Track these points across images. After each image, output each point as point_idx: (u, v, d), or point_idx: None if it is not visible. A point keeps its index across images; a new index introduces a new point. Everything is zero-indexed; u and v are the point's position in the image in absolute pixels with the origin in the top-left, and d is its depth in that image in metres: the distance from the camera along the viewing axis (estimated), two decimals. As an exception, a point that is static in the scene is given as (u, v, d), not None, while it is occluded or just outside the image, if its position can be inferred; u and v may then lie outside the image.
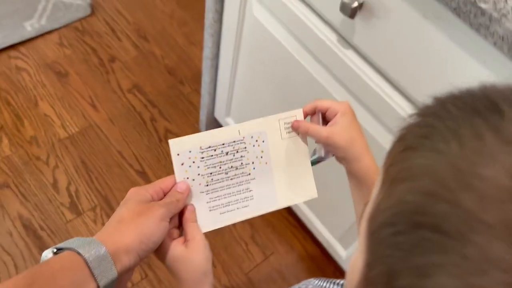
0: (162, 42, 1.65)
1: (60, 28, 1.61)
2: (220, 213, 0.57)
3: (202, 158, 0.55)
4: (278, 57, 0.93)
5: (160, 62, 1.60)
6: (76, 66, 1.55)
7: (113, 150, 1.41)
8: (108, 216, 1.21)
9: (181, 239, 0.53)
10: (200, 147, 0.55)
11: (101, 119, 1.46)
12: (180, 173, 0.55)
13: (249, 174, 0.57)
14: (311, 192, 0.60)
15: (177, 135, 1.45)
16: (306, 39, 0.83)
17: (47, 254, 0.44)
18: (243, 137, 0.57)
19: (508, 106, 0.24)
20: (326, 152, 0.59)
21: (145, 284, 1.20)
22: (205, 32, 1.10)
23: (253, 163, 0.58)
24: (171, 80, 1.57)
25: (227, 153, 0.56)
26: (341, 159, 0.57)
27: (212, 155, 0.56)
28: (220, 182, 0.56)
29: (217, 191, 0.56)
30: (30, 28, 1.57)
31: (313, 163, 0.60)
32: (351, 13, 0.68)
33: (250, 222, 1.33)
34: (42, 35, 1.58)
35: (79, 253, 0.43)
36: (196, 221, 0.54)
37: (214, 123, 1.40)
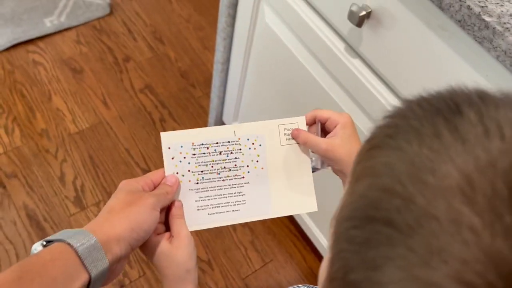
0: (177, 45, 1.68)
1: (78, 25, 1.65)
2: (209, 214, 0.55)
3: (194, 154, 0.54)
4: (287, 64, 0.94)
5: (174, 64, 1.63)
6: (91, 64, 1.58)
7: (121, 147, 1.42)
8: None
9: (166, 235, 0.52)
10: (193, 143, 0.54)
11: (111, 117, 1.48)
12: (169, 167, 0.54)
13: (243, 177, 0.56)
14: (310, 205, 0.58)
15: (185, 137, 1.46)
16: (315, 47, 0.84)
17: (37, 247, 0.44)
18: (239, 138, 0.55)
19: (468, 107, 0.24)
20: (322, 163, 0.58)
21: (142, 282, 1.20)
22: (217, 36, 1.12)
23: (247, 166, 0.56)
24: (183, 83, 1.59)
25: (220, 153, 0.55)
26: (338, 171, 0.56)
27: (204, 153, 0.54)
28: (211, 181, 0.55)
29: (207, 190, 0.55)
30: (49, 24, 1.61)
31: None
32: (359, 21, 0.69)
33: (250, 228, 1.33)
34: (60, 31, 1.62)
35: (69, 244, 0.43)
36: (182, 217, 0.54)
37: (222, 127, 1.41)
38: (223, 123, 1.39)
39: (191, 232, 0.53)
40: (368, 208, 0.24)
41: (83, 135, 1.43)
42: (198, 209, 0.55)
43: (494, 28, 0.53)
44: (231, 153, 0.55)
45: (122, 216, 0.47)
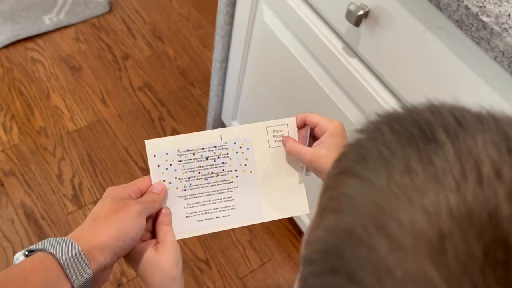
0: (176, 43, 1.67)
1: (77, 23, 1.64)
2: (198, 221, 0.54)
3: (180, 161, 0.53)
4: (285, 62, 0.93)
5: (173, 63, 1.62)
6: (90, 62, 1.57)
7: (120, 146, 1.42)
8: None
9: (152, 242, 0.51)
10: (178, 150, 0.53)
11: (110, 115, 1.47)
12: (156, 175, 0.53)
13: (232, 182, 0.54)
14: (302, 207, 0.57)
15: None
16: (313, 46, 0.83)
17: (19, 257, 0.43)
18: (225, 143, 0.54)
19: (447, 136, 0.22)
20: (307, 170, 0.56)
21: (140, 280, 1.20)
22: (216, 34, 1.11)
23: (236, 170, 0.55)
24: (182, 81, 1.59)
25: (207, 158, 0.54)
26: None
27: (190, 159, 0.53)
28: (199, 188, 0.54)
29: (196, 197, 0.54)
30: (48, 21, 1.61)
31: None
32: (356, 21, 0.68)
33: (249, 227, 1.33)
34: (59, 29, 1.62)
35: (51, 254, 0.42)
36: (169, 224, 0.52)
37: (221, 126, 1.41)
38: (221, 122, 1.38)
39: (179, 240, 0.52)
40: (331, 256, 0.22)
41: (81, 133, 1.43)
42: (187, 216, 0.54)
43: (492, 28, 0.52)
44: (218, 157, 0.54)
45: (107, 223, 0.46)
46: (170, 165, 0.53)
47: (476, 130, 0.22)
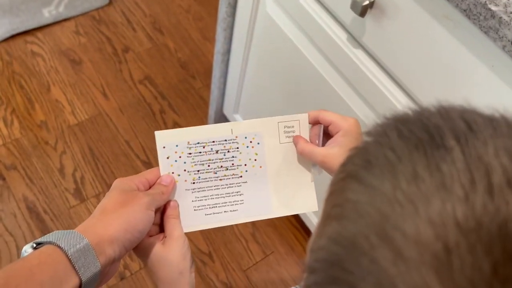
0: (177, 36, 1.66)
1: (77, 16, 1.63)
2: (206, 214, 0.54)
3: (190, 154, 0.53)
4: (288, 54, 0.92)
5: (173, 55, 1.61)
6: (90, 55, 1.56)
7: (121, 139, 1.41)
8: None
9: (159, 236, 0.51)
10: (188, 142, 0.52)
11: (111, 108, 1.47)
12: (165, 167, 0.52)
13: (241, 176, 0.54)
14: (311, 204, 0.56)
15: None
16: (316, 37, 0.83)
17: (27, 249, 0.42)
18: (236, 136, 0.54)
19: (456, 141, 0.21)
20: (320, 170, 0.56)
21: (143, 273, 1.20)
22: (217, 26, 1.11)
23: (245, 165, 0.54)
24: (183, 74, 1.58)
25: (217, 152, 0.53)
26: None
27: (200, 152, 0.53)
28: (207, 181, 0.53)
29: (204, 190, 0.53)
30: (47, 14, 1.59)
31: None
32: (362, 11, 0.67)
33: (251, 220, 1.33)
34: (59, 22, 1.60)
35: (59, 247, 0.41)
36: (177, 217, 0.52)
37: (223, 119, 1.40)
38: (223, 115, 1.38)
39: (186, 233, 0.52)
40: (333, 265, 0.21)
41: (82, 127, 1.42)
42: (195, 210, 0.53)
43: (500, 17, 0.51)
44: (228, 151, 0.54)
45: (115, 216, 0.45)
46: (180, 157, 0.53)
47: (488, 135, 0.21)
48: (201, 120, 1.48)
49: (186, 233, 0.52)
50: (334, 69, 0.83)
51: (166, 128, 1.45)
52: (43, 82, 1.48)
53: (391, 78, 0.73)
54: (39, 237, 0.44)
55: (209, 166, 0.53)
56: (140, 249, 0.50)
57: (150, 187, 0.51)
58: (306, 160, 0.55)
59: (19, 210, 1.25)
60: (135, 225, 0.46)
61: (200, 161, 0.53)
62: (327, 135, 0.55)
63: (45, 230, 1.22)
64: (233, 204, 0.54)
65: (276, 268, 1.27)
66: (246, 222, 1.31)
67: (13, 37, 1.55)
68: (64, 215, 1.26)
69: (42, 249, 0.42)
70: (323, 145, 0.54)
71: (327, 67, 0.84)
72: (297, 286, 0.65)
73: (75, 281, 0.41)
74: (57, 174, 1.33)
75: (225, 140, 0.53)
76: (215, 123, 1.41)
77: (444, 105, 0.23)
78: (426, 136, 0.22)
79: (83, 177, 1.33)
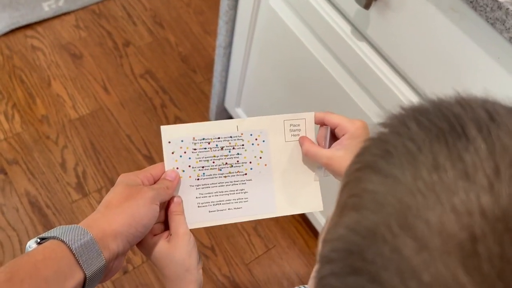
0: (177, 29, 1.65)
1: (77, 10, 1.62)
2: (209, 211, 0.53)
3: (195, 149, 0.52)
4: (291, 47, 0.92)
5: (174, 49, 1.61)
6: (90, 49, 1.56)
7: (122, 133, 1.41)
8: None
9: (164, 234, 0.50)
10: (193, 138, 0.52)
11: (112, 102, 1.46)
12: (169, 161, 0.52)
13: (245, 174, 0.54)
14: (316, 204, 0.56)
15: (186, 122, 1.45)
16: (320, 29, 0.82)
17: (31, 244, 0.42)
18: (241, 134, 0.53)
19: (476, 131, 0.20)
20: (325, 171, 0.55)
21: (145, 267, 1.20)
22: (219, 20, 1.10)
23: (250, 162, 0.54)
24: (184, 68, 1.57)
25: (222, 148, 0.53)
26: None
27: (205, 148, 0.52)
28: (212, 178, 0.53)
29: (208, 187, 0.53)
30: (47, 8, 1.59)
31: None
32: (366, 3, 0.67)
33: (254, 214, 1.33)
34: (59, 16, 1.60)
35: (63, 241, 0.41)
36: (182, 214, 0.52)
37: (224, 113, 1.40)
38: (225, 109, 1.38)
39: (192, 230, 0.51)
40: (352, 255, 0.21)
41: (83, 121, 1.42)
42: (198, 206, 0.53)
43: (507, 8, 0.51)
44: (233, 148, 0.53)
45: (119, 211, 0.45)
46: (185, 152, 0.52)
47: (511, 125, 0.21)
48: (202, 114, 1.48)
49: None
50: (337, 62, 0.83)
51: (168, 122, 1.45)
52: (44, 76, 1.48)
53: (395, 71, 0.73)
54: (42, 231, 0.44)
55: (213, 162, 0.53)
56: (145, 247, 0.50)
57: (154, 182, 0.51)
58: (311, 160, 0.55)
59: (21, 205, 1.25)
60: (140, 219, 0.45)
61: (205, 157, 0.53)
62: (333, 137, 0.54)
63: (47, 225, 1.22)
64: (237, 202, 0.54)
65: (278, 261, 1.28)
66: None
67: (13, 31, 1.54)
68: (66, 209, 1.26)
69: (46, 244, 0.42)
70: (329, 147, 0.54)
71: (330, 60, 0.84)
72: (300, 286, 0.64)
73: (79, 276, 0.41)
74: (59, 168, 1.33)
75: (231, 137, 0.53)
76: (216, 117, 1.41)
77: (463, 95, 0.23)
78: (446, 126, 0.21)
79: (85, 172, 1.33)
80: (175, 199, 0.52)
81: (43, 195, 1.28)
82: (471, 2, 0.55)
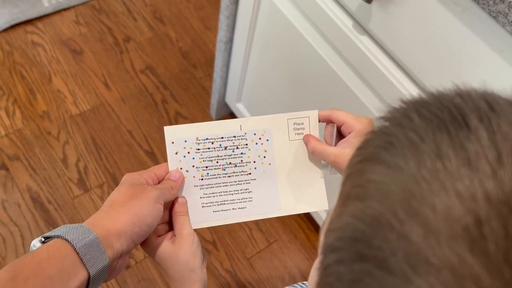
0: (178, 25, 1.65)
1: (77, 5, 1.62)
2: (214, 211, 0.53)
3: (198, 149, 0.52)
4: (292, 42, 0.92)
5: (175, 45, 1.60)
6: (91, 44, 1.56)
7: (123, 129, 1.41)
8: (115, 194, 1.22)
9: (168, 235, 0.51)
10: (197, 138, 0.52)
11: (113, 98, 1.46)
12: (173, 162, 0.52)
13: (250, 173, 0.54)
14: (321, 203, 0.56)
15: (187, 118, 1.45)
16: (321, 24, 0.82)
17: (35, 243, 0.42)
18: (245, 133, 0.53)
19: (477, 120, 0.21)
20: (331, 169, 0.55)
21: (148, 262, 1.21)
22: (220, 14, 1.10)
23: (254, 162, 0.54)
24: (185, 63, 1.57)
25: (225, 148, 0.53)
26: None
27: (209, 148, 0.53)
28: (216, 178, 0.53)
29: (212, 187, 0.53)
30: (47, 4, 1.58)
31: None
32: (368, -3, 0.67)
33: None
34: (59, 11, 1.59)
35: (67, 240, 0.41)
36: (186, 214, 0.52)
37: (225, 108, 1.40)
38: (225, 104, 1.38)
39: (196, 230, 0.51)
40: (358, 242, 0.21)
41: (84, 117, 1.42)
42: (203, 206, 0.53)
43: (510, 2, 0.51)
44: (237, 148, 0.53)
45: (123, 210, 0.45)
46: (188, 153, 0.53)
47: (511, 115, 0.21)
48: (203, 109, 1.48)
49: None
50: (339, 57, 0.83)
51: (169, 118, 1.45)
52: (44, 72, 1.48)
53: (397, 65, 0.73)
54: (44, 227, 0.44)
55: (217, 162, 0.53)
56: (150, 248, 0.50)
57: (159, 182, 0.51)
58: (315, 158, 0.55)
59: (23, 201, 1.26)
60: (143, 218, 0.46)
61: (209, 157, 0.53)
62: (339, 135, 0.54)
63: (49, 220, 1.22)
64: (241, 202, 0.54)
65: (280, 256, 1.28)
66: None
67: (13, 27, 1.54)
68: (68, 205, 1.27)
69: (50, 243, 0.42)
70: (335, 145, 0.54)
71: (332, 54, 0.84)
72: (300, 283, 0.64)
73: (83, 274, 0.41)
74: (60, 164, 1.33)
75: (234, 137, 0.53)
76: (217, 112, 1.41)
77: (461, 87, 0.23)
78: (448, 116, 0.22)
79: (86, 167, 1.33)
80: (180, 200, 0.52)
81: (45, 191, 1.28)
82: (473, -5, 0.55)
